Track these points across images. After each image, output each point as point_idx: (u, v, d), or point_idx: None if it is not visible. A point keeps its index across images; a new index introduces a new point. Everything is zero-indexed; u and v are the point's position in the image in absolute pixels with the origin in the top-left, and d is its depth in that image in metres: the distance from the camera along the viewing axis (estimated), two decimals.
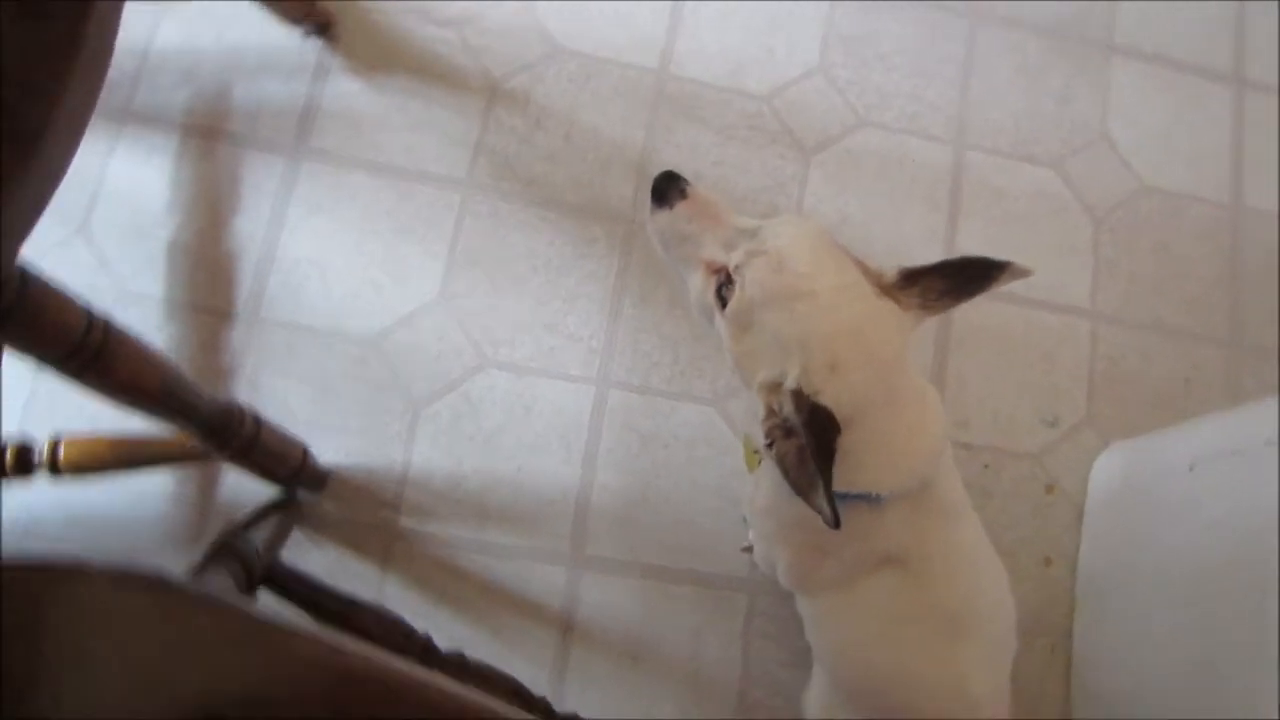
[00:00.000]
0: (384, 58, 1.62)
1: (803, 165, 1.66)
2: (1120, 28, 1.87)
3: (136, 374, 0.81)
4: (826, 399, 0.77)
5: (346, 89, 1.60)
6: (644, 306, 1.54)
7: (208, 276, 1.48)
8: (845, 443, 0.77)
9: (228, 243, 1.50)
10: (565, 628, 1.39)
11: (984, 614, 0.99)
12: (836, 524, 0.74)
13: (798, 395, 0.77)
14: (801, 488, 0.77)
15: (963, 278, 0.84)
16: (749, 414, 0.95)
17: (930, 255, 0.86)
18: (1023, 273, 0.84)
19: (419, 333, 1.49)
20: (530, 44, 1.66)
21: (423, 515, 1.41)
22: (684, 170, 0.91)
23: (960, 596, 0.96)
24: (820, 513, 0.75)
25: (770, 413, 0.80)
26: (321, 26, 1.60)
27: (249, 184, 1.53)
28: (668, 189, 0.88)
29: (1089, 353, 1.65)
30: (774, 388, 0.80)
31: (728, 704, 1.40)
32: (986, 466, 1.56)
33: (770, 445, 0.80)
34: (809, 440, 0.75)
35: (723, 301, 0.83)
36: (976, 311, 1.61)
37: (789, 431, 0.78)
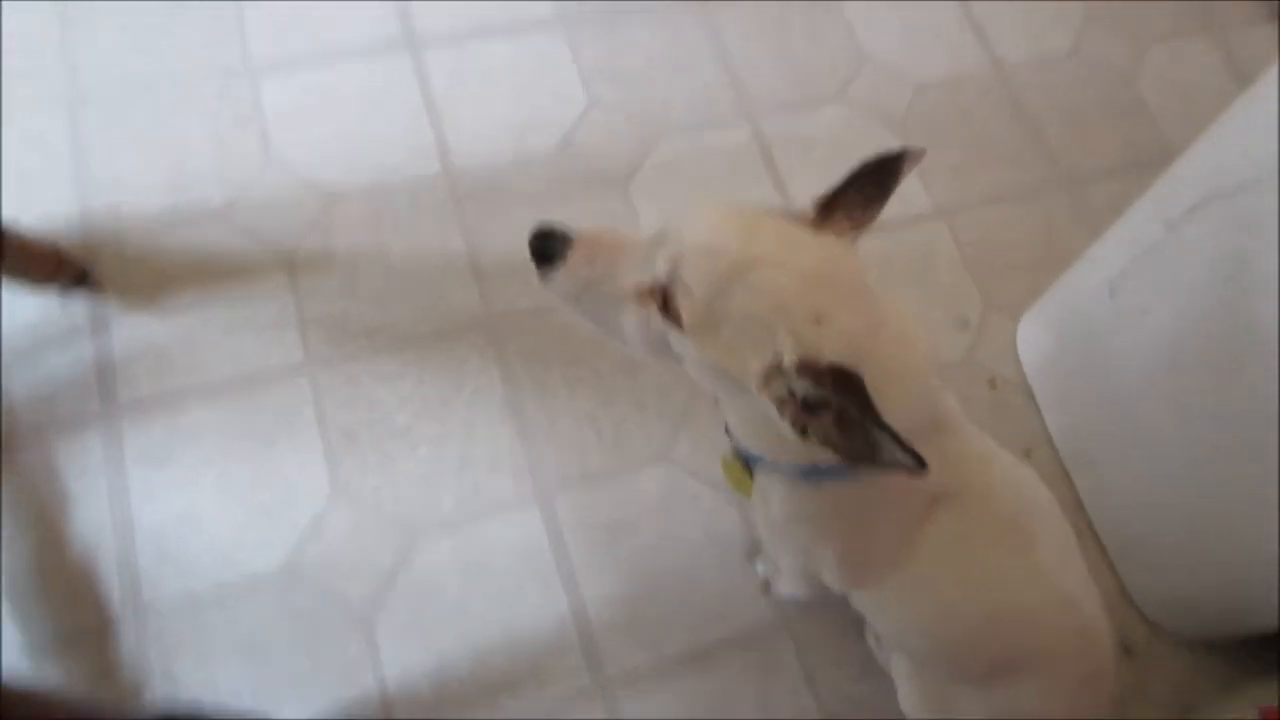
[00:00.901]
0: (160, 280, 1.41)
1: (624, 195, 1.55)
2: None
3: None
4: (830, 354, 0.66)
5: (136, 328, 1.37)
6: (545, 397, 1.38)
7: (64, 593, 1.22)
8: None
9: (73, 545, 1.24)
10: None
11: (1038, 511, 0.90)
12: (923, 464, 0.63)
13: (805, 364, 0.66)
14: (861, 452, 0.66)
15: (872, 182, 0.76)
16: (743, 428, 0.83)
17: None
18: (919, 153, 0.77)
19: (331, 538, 1.27)
20: (304, 202, 1.48)
21: None
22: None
23: (1012, 503, 0.87)
24: (897, 464, 0.64)
25: (781, 402, 0.69)
26: (77, 278, 1.38)
27: (70, 472, 1.28)
28: (549, 246, 0.76)
29: (955, 247, 1.60)
30: (773, 373, 0.68)
31: None
32: None
33: (803, 431, 0.68)
34: (848, 400, 0.64)
35: (673, 318, 0.72)
36: None
37: (814, 406, 0.67)
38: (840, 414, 0.66)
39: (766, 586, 1.29)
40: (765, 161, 1.62)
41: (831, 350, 0.67)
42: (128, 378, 1.34)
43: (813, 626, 1.29)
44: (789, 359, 0.67)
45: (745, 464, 0.92)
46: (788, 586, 1.25)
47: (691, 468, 1.36)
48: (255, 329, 1.39)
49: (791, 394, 0.68)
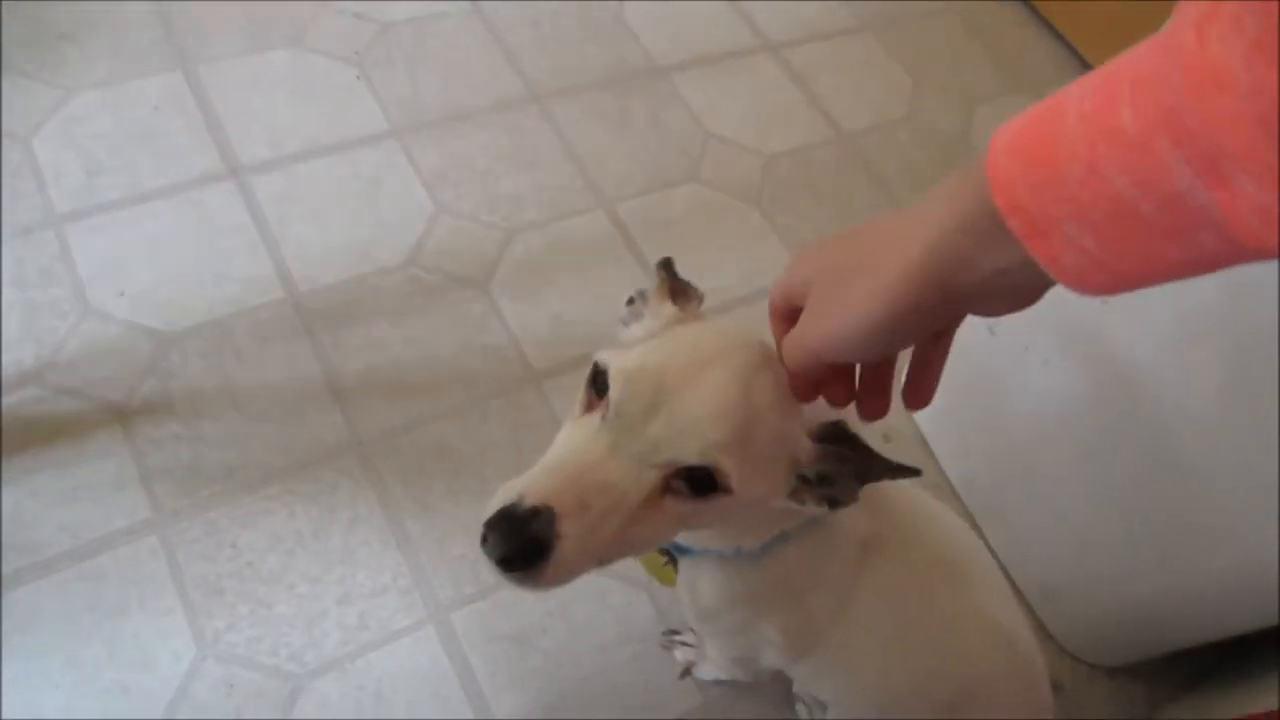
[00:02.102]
0: None
1: (487, 299, 1.63)
2: (656, 51, 2.07)
3: None
4: (808, 422, 0.69)
5: None
6: (428, 514, 1.40)
7: None
8: None
9: None
10: None
11: (965, 549, 0.96)
12: (917, 470, 0.67)
13: (820, 444, 0.69)
14: (864, 484, 0.70)
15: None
16: (714, 535, 0.85)
17: None
18: (669, 260, 0.83)
19: (201, 704, 1.23)
20: (134, 348, 1.49)
21: None
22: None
23: (941, 539, 0.93)
24: (908, 473, 0.67)
25: (808, 494, 0.70)
26: None
27: None
28: (531, 531, 0.60)
29: None
30: (793, 470, 0.69)
31: None
32: None
33: (835, 504, 0.70)
34: (863, 449, 0.68)
35: (707, 488, 0.65)
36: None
37: (829, 478, 0.69)
38: (844, 465, 0.68)
39: (686, 671, 1.32)
40: (626, 245, 1.74)
41: (809, 417, 0.69)
42: None
43: (741, 708, 1.32)
44: (806, 453, 0.68)
45: (669, 556, 0.92)
46: (721, 674, 1.30)
47: None
48: (92, 492, 1.36)
49: (805, 480, 0.69)
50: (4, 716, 1.20)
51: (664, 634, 1.35)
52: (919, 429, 1.63)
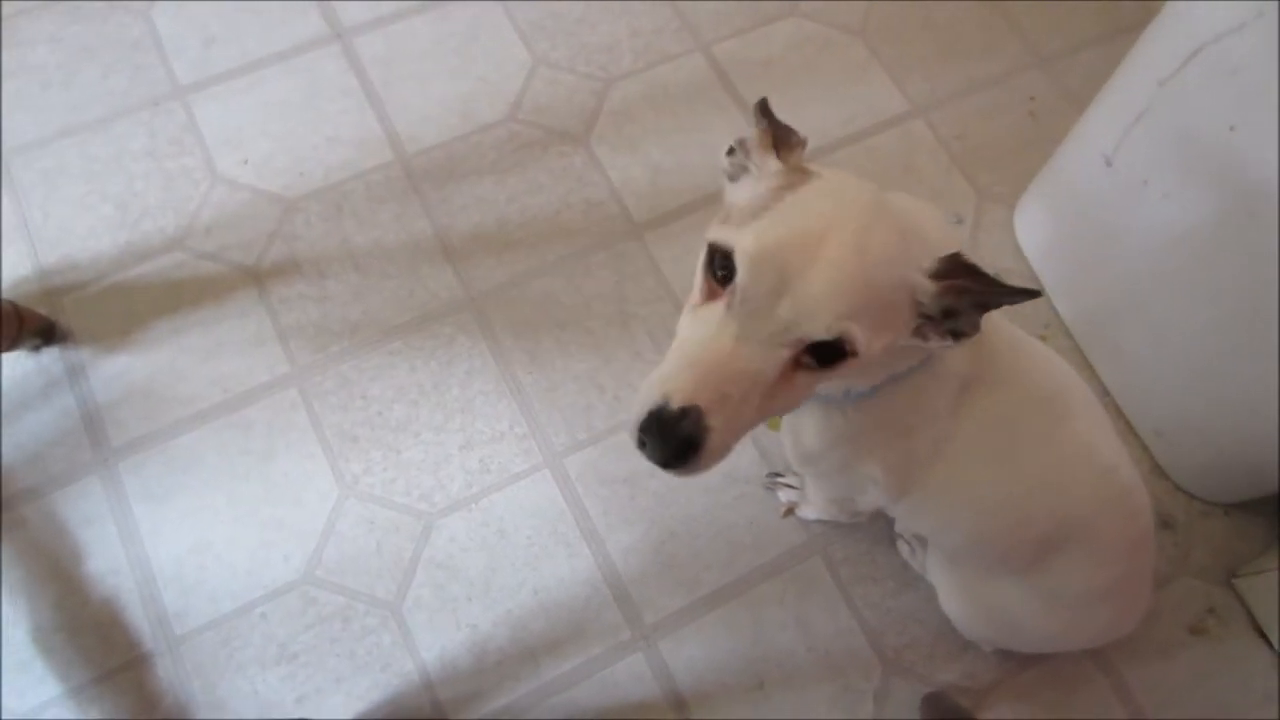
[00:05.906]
0: (129, 318, 1.52)
1: (586, 151, 1.66)
2: None
3: None
4: (928, 260, 0.71)
5: (113, 370, 1.49)
6: (539, 366, 1.49)
7: (95, 637, 1.33)
8: None
9: (95, 592, 1.36)
10: (679, 704, 1.31)
11: (1066, 385, 0.97)
12: (1035, 291, 0.69)
13: (940, 280, 0.70)
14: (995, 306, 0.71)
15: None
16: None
17: None
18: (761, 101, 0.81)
19: (346, 537, 1.38)
20: (261, 214, 1.60)
21: (473, 701, 1.30)
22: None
23: (1041, 376, 0.94)
24: (1027, 295, 0.68)
25: (932, 331, 0.73)
26: (45, 333, 1.49)
27: (77, 522, 1.40)
28: (680, 433, 0.66)
29: (936, 143, 1.71)
30: (915, 310, 0.72)
31: (872, 664, 1.34)
32: None
33: (959, 336, 0.72)
34: (982, 278, 0.69)
35: (835, 357, 0.69)
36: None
37: (952, 312, 0.71)
38: (972, 297, 0.69)
39: (790, 511, 1.40)
40: (725, 88, 1.73)
41: (929, 255, 0.70)
42: (115, 420, 1.46)
43: (843, 545, 1.39)
44: (926, 292, 0.70)
45: None
46: (818, 514, 1.37)
47: None
48: (235, 348, 1.50)
49: (928, 318, 0.71)
50: (178, 549, 1.38)
51: (768, 476, 1.43)
52: (1030, 266, 1.61)
